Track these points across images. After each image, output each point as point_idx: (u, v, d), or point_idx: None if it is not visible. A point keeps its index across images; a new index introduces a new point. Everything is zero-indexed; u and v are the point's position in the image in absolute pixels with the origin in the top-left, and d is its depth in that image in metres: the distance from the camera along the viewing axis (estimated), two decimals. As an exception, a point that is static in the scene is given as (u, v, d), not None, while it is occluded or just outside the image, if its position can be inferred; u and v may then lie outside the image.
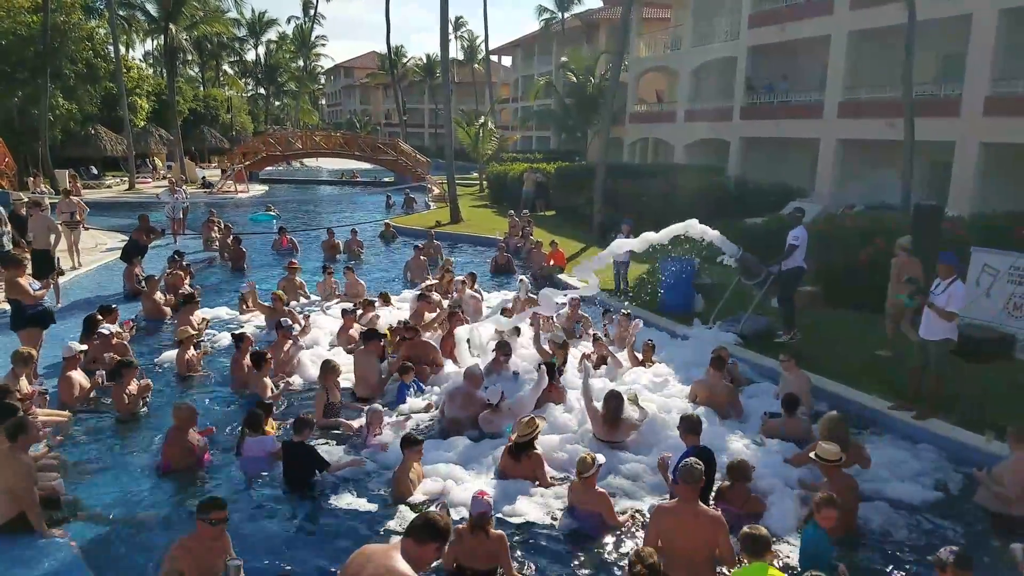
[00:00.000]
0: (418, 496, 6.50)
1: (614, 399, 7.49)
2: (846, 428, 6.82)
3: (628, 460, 7.22)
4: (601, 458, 6.16)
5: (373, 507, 6.41)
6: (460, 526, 5.32)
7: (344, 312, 11.37)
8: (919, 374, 8.35)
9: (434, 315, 11.17)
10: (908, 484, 6.86)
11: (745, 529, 4.84)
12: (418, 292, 12.63)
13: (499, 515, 6.02)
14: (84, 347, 9.09)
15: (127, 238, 16.06)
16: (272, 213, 28.03)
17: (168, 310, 12.63)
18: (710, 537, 5.16)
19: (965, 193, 18.24)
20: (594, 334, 10.60)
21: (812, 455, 6.23)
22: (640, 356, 9.98)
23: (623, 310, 11.80)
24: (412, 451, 6.58)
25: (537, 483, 6.68)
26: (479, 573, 5.26)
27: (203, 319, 11.74)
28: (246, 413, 7.55)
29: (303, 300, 13.79)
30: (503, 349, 9.32)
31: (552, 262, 16.92)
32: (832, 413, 7.02)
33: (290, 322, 10.57)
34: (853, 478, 6.27)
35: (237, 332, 10.30)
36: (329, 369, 8.41)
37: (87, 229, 17.06)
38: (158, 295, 12.70)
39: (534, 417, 7.17)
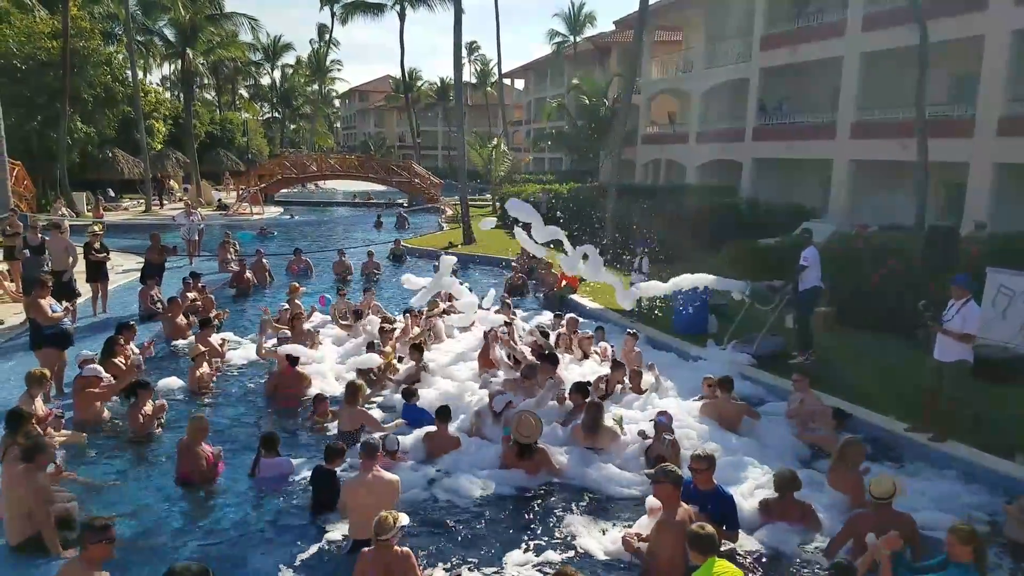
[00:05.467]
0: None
1: (594, 408, 8.03)
2: (861, 453, 6.76)
3: (603, 467, 7.53)
4: (404, 519, 5.26)
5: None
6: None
7: (381, 330, 11.39)
8: (935, 396, 8.27)
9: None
10: (937, 512, 6.58)
11: (693, 528, 4.84)
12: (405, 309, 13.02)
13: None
14: (106, 375, 9.07)
15: (143, 260, 16.20)
16: (270, 234, 28.67)
17: (190, 331, 12.65)
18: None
19: (979, 214, 18.12)
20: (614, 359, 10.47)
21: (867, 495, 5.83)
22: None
23: (629, 330, 11.78)
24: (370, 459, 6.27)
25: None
26: None
27: (223, 340, 11.86)
28: (262, 434, 7.58)
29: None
30: (529, 373, 9.42)
31: (564, 283, 16.91)
32: (849, 437, 6.95)
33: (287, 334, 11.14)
34: (907, 515, 5.84)
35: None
36: (357, 389, 8.68)
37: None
38: (180, 318, 12.78)
39: (533, 417, 7.53)
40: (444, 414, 7.96)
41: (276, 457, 7.33)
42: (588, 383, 9.05)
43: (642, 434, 7.84)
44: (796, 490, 6.24)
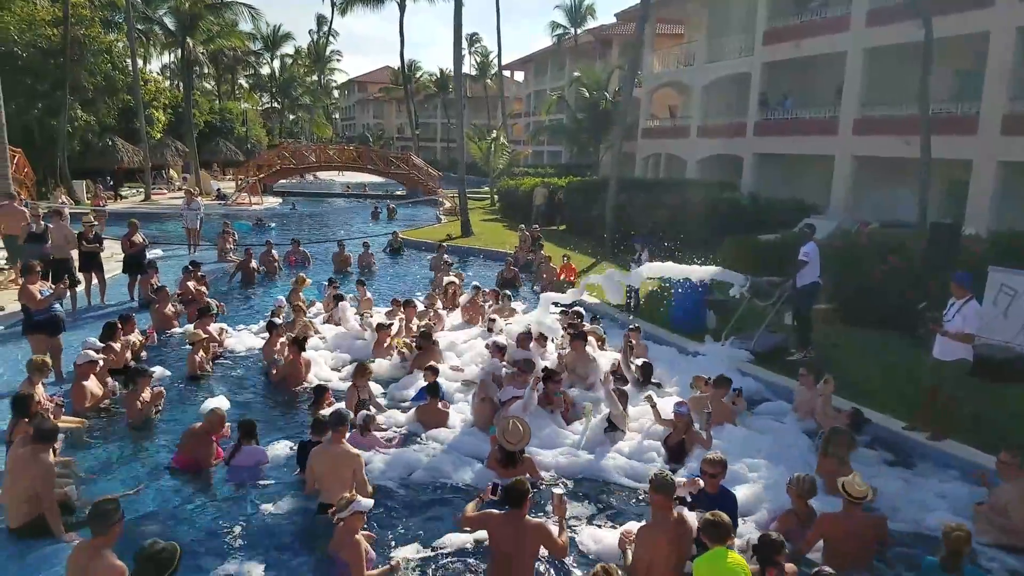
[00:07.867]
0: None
1: (624, 396, 8.46)
2: (847, 446, 6.77)
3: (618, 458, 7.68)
4: (365, 503, 5.51)
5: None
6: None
7: (379, 327, 11.31)
8: (934, 394, 8.25)
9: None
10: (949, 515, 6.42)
11: (707, 516, 4.90)
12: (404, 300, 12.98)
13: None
14: (102, 357, 9.08)
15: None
16: (266, 225, 29.00)
17: (177, 322, 12.63)
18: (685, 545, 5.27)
19: (982, 211, 18.10)
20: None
21: (839, 488, 5.75)
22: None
23: (631, 325, 11.76)
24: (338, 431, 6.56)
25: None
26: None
27: (221, 328, 11.85)
28: (240, 421, 7.55)
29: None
30: (526, 366, 9.38)
31: (563, 276, 16.89)
32: (837, 428, 6.98)
33: (278, 320, 11.39)
34: (881, 516, 5.96)
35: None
36: (361, 370, 8.91)
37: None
38: (169, 307, 12.73)
39: (521, 423, 7.12)
40: (434, 390, 8.57)
41: (253, 446, 7.36)
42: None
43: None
44: (812, 496, 6.08)
